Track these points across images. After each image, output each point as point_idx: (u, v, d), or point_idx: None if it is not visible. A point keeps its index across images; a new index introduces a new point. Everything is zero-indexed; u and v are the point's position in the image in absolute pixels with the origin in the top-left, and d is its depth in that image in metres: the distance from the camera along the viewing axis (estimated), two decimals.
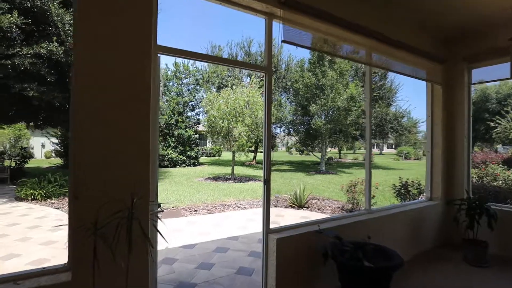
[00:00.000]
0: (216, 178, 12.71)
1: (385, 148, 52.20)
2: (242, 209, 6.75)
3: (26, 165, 18.30)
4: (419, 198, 5.63)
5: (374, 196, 6.38)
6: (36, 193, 7.26)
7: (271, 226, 2.62)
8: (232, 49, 20.91)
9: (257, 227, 5.13)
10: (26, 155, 12.21)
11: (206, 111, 11.55)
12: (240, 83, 12.26)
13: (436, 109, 4.34)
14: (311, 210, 6.73)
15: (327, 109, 13.85)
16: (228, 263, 3.47)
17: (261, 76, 18.81)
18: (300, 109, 15.61)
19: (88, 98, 1.66)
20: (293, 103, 16.70)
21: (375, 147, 52.11)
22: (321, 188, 10.02)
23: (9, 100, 7.71)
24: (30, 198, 7.24)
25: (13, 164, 11.75)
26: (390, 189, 8.06)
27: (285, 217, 6.10)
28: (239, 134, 10.76)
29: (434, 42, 4.14)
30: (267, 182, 2.62)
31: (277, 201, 7.28)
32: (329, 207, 7.12)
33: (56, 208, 6.52)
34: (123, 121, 1.77)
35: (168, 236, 4.56)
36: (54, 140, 18.09)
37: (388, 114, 18.65)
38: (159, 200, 6.00)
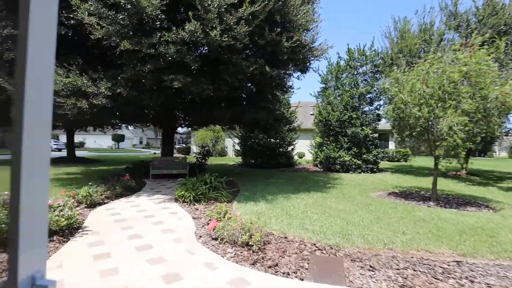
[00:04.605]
0: (405, 194, 8.72)
1: None
2: None
3: (219, 162, 21.38)
4: None
5: None
6: (187, 195, 6.65)
7: None
8: (424, 18, 15.36)
9: None
10: (206, 153, 13.12)
11: (391, 95, 7.91)
12: (449, 48, 7.72)
13: None
14: None
15: None
16: None
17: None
18: None
19: None
20: None
21: None
22: None
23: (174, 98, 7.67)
24: (181, 200, 6.72)
25: (196, 161, 12.87)
26: None
27: None
28: (450, 128, 6.45)
29: None
30: None
31: None
32: None
33: (194, 218, 5.39)
34: None
35: None
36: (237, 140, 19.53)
37: None
38: (310, 232, 3.12)
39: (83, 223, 4.90)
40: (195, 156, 13.37)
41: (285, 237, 4.39)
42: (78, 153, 24.74)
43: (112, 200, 6.79)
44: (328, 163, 15.88)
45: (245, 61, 6.71)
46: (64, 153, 20.88)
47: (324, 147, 16.32)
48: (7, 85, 7.93)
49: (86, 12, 5.75)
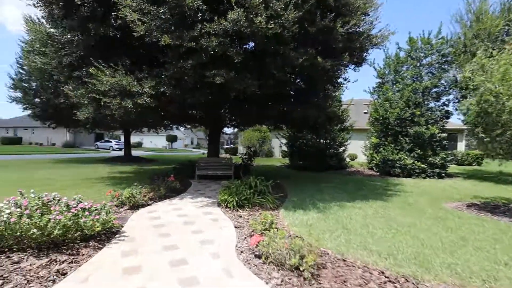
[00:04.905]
0: (491, 207, 7.10)
1: None
2: None
3: (266, 163, 20.85)
4: None
5: None
6: (230, 199, 6.16)
7: None
8: None
9: None
10: (252, 154, 12.63)
11: (473, 86, 6.45)
12: None
13: None
14: None
15: None
16: None
17: None
18: None
19: None
20: None
21: None
22: None
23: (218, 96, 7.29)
24: (224, 205, 6.26)
25: (241, 162, 12.46)
26: None
27: None
28: None
29: None
30: None
31: None
32: None
33: (236, 227, 4.83)
34: None
35: None
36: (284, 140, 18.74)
37: None
38: (375, 254, 2.49)
39: (122, 227, 4.69)
40: (241, 157, 12.99)
41: (344, 260, 3.57)
42: (135, 152, 26.42)
43: (156, 202, 6.61)
44: (386, 166, 14.27)
45: (294, 52, 5.99)
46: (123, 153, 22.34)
47: (381, 149, 14.72)
48: (69, 91, 8.30)
49: (130, 10, 5.60)
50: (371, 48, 7.50)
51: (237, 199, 6.11)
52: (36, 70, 13.89)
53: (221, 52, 5.45)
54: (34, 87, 17.14)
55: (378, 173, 15.02)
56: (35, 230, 3.28)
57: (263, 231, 4.34)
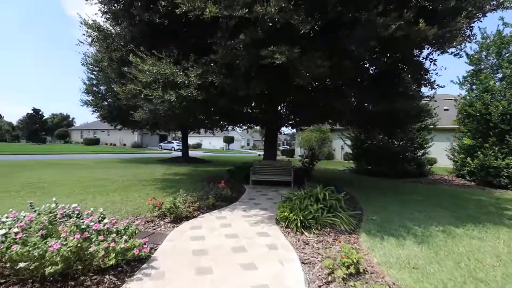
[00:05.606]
0: None
1: None
2: None
3: (326, 167, 18.85)
4: None
5: None
6: (292, 217, 4.72)
7: None
8: None
9: None
10: (313, 156, 11.00)
11: None
12: None
13: None
14: None
15: None
16: None
17: None
18: None
19: None
20: None
21: None
22: None
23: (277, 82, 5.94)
24: (284, 224, 4.84)
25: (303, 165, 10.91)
26: None
27: None
28: None
29: None
30: None
31: None
32: None
33: (303, 263, 3.40)
34: None
35: None
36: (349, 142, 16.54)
37: None
38: None
39: (155, 249, 3.64)
40: (300, 160, 11.45)
41: None
42: (194, 153, 26.82)
43: (203, 213, 5.54)
44: (486, 175, 11.24)
45: (382, 18, 4.29)
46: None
47: (479, 152, 11.65)
48: (118, 88, 7.83)
49: None
50: (493, 11, 5.27)
51: (301, 218, 4.65)
52: (103, 73, 14.47)
53: (282, 21, 4.07)
54: (101, 91, 18.15)
55: (473, 183, 12.00)
56: (22, 265, 2.33)
57: (346, 277, 2.84)
